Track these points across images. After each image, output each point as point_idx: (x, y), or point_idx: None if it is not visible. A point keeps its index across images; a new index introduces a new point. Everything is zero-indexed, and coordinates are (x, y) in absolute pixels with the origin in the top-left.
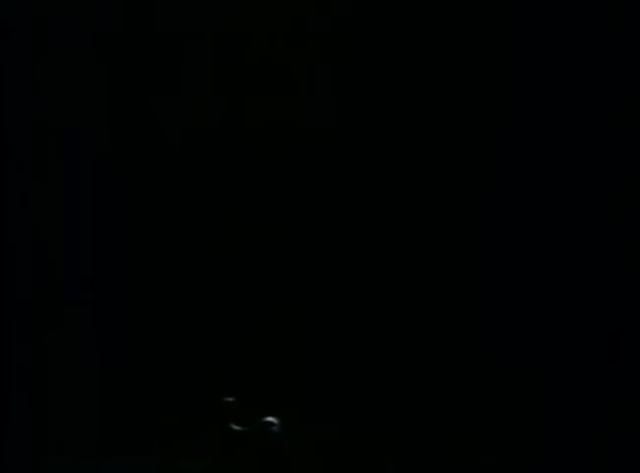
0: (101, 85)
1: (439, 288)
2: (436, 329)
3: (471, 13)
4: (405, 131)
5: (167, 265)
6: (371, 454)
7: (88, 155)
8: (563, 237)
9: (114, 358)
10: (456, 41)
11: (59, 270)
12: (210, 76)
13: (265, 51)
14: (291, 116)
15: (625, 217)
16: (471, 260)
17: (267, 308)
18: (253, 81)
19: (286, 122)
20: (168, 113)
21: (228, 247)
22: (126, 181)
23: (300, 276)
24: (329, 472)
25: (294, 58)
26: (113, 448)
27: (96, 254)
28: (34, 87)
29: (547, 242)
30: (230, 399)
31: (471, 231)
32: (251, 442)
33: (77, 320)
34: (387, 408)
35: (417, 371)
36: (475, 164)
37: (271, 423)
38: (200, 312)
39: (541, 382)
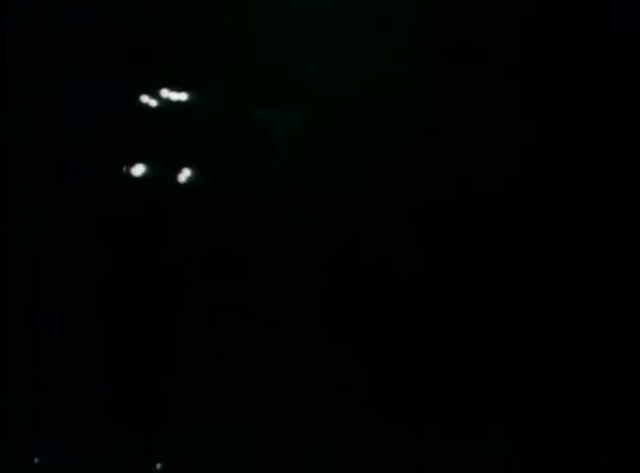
0: (102, 84)
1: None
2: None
3: None
4: None
5: (169, 265)
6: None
7: (88, 155)
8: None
9: (115, 357)
10: None
11: (59, 270)
12: (211, 76)
13: (267, 53)
14: None
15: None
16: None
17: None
18: (262, 89)
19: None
20: (169, 113)
21: (227, 251)
22: (126, 181)
23: (298, 282)
24: None
25: None
26: (113, 448)
27: (96, 254)
28: (34, 87)
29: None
30: None
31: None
32: None
33: (77, 320)
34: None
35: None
36: None
37: None
38: (201, 313)
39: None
